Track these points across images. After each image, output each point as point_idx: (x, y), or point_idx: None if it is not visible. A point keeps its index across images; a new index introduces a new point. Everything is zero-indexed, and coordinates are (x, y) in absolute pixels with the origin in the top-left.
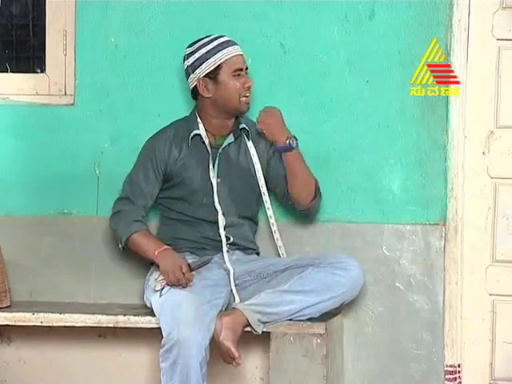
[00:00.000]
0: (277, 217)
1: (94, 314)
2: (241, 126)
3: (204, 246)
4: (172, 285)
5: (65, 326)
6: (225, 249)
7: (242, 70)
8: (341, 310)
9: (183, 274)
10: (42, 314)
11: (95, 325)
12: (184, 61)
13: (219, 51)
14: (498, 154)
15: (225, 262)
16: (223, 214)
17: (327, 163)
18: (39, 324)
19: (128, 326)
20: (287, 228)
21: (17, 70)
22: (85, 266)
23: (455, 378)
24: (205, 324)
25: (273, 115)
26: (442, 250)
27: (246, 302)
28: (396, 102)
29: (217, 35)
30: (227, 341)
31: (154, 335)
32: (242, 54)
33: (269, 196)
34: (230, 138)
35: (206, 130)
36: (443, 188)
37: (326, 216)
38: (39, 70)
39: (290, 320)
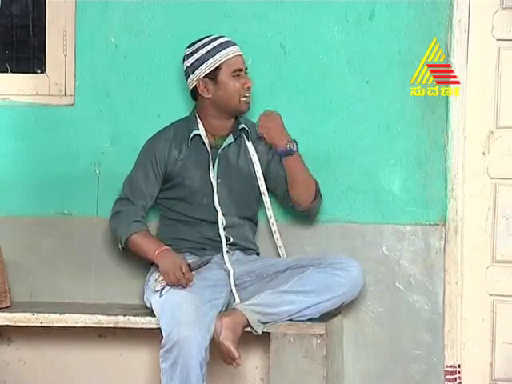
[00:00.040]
0: (277, 217)
1: (94, 314)
2: (240, 127)
3: (204, 246)
4: (172, 285)
5: (65, 327)
6: (225, 249)
7: (241, 70)
8: (341, 311)
9: (183, 274)
10: (42, 315)
11: (95, 325)
12: (183, 61)
13: (219, 52)
14: (498, 154)
15: (225, 263)
16: (223, 214)
17: (327, 163)
18: (39, 324)
19: (128, 326)
20: (287, 228)
21: (17, 70)
22: (85, 267)
23: (455, 379)
24: (205, 324)
25: (273, 119)
26: (442, 250)
27: (246, 303)
28: (396, 102)
29: (216, 36)
30: (227, 341)
31: (154, 335)
32: (241, 55)
33: (269, 196)
34: (230, 139)
35: (205, 130)
36: (443, 188)
37: (326, 216)
38: (39, 71)
39: (290, 320)
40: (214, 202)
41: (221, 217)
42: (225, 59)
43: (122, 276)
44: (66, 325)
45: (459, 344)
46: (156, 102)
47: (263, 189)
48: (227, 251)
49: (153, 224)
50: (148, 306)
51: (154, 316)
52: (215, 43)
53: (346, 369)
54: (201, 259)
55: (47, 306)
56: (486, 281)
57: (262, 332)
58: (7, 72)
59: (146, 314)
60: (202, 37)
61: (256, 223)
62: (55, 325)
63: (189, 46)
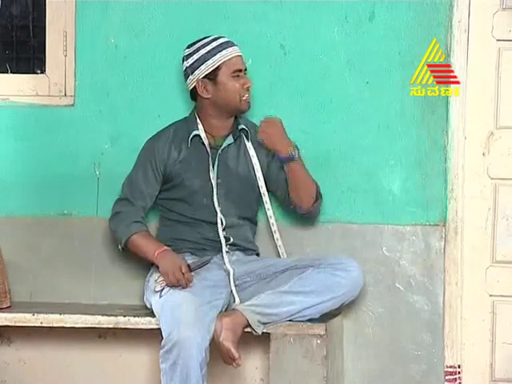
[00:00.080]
0: (277, 217)
1: (94, 314)
2: (240, 127)
3: (204, 246)
4: (172, 286)
5: (65, 327)
6: (224, 249)
7: (241, 70)
8: (341, 311)
9: (183, 274)
10: (42, 315)
11: (95, 325)
12: (183, 62)
13: (218, 52)
14: (498, 154)
15: (225, 263)
16: (223, 214)
17: (327, 164)
18: (39, 325)
19: (128, 326)
20: (287, 229)
21: (17, 70)
22: (85, 267)
23: (455, 379)
24: (205, 325)
25: (274, 125)
26: (442, 250)
27: (246, 303)
28: (396, 102)
29: (216, 36)
30: (227, 341)
31: (154, 336)
32: (240, 55)
33: (269, 197)
34: (230, 139)
35: (205, 130)
36: (443, 189)
37: (326, 217)
38: (39, 71)
39: (290, 321)
40: (213, 202)
41: (220, 217)
42: (224, 60)
43: (121, 276)
44: (66, 325)
45: (459, 344)
46: (156, 102)
47: (263, 189)
48: (227, 252)
49: (153, 224)
50: (148, 306)
51: (154, 316)
52: (215, 44)
53: (346, 369)
54: (200, 260)
55: (47, 306)
56: (486, 281)
57: (262, 332)
58: (7, 72)
59: (146, 315)
60: (201, 37)
61: (256, 223)
62: (55, 325)
63: (188, 47)
